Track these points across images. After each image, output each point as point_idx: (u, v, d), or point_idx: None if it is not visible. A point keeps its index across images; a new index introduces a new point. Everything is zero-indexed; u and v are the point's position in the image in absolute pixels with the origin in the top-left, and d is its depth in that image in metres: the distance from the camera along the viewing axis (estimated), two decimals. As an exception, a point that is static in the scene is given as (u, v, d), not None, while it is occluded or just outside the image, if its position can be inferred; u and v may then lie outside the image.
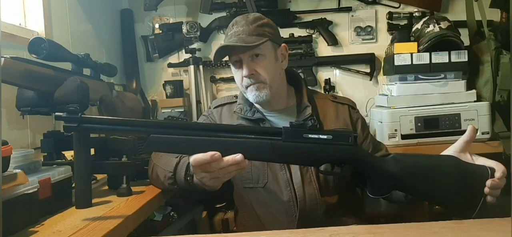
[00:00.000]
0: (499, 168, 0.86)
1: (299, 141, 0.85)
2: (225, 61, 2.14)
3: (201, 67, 2.12)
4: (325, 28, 2.14)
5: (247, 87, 1.13)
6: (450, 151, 0.93)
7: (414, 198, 1.04)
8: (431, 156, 0.94)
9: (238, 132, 0.86)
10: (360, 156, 0.89)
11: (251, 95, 1.13)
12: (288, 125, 0.86)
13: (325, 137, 0.86)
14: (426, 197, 0.92)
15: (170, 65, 2.20)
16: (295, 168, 1.10)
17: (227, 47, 1.10)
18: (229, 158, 0.81)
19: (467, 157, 0.91)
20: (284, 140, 0.85)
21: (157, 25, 2.17)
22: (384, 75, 1.99)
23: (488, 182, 0.84)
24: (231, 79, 2.18)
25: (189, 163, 0.95)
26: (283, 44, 1.19)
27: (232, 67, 1.17)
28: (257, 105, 1.19)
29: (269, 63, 1.12)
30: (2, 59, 0.90)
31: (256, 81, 1.11)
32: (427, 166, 0.89)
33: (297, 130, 0.85)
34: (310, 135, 0.85)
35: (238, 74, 1.14)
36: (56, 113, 0.80)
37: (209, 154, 0.81)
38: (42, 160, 1.08)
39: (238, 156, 0.81)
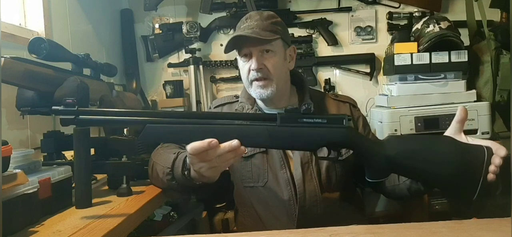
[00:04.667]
0: (497, 146, 0.86)
1: (294, 125, 0.85)
2: (226, 60, 2.15)
3: (201, 67, 2.12)
4: (325, 28, 2.14)
5: (252, 82, 1.13)
6: (446, 134, 0.93)
7: (417, 191, 1.03)
8: (427, 136, 0.94)
9: (233, 119, 0.86)
10: (355, 138, 0.89)
11: (255, 91, 1.13)
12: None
13: (319, 120, 0.86)
14: (424, 179, 0.91)
15: (170, 65, 2.20)
16: (296, 165, 1.10)
17: (239, 39, 1.10)
18: (225, 145, 0.81)
19: (462, 138, 0.90)
20: (279, 125, 0.85)
21: (157, 25, 2.18)
22: (384, 75, 1.99)
23: (496, 161, 0.83)
24: (231, 79, 2.19)
25: (185, 157, 0.96)
26: (292, 46, 1.20)
27: (240, 61, 1.16)
28: (259, 103, 1.19)
29: (278, 60, 1.12)
30: (2, 59, 0.90)
31: (263, 77, 1.11)
32: (424, 146, 0.89)
33: (292, 115, 0.86)
34: (304, 120, 0.86)
35: (246, 67, 1.13)
36: (53, 107, 0.80)
37: (206, 141, 0.80)
38: (42, 160, 1.08)
39: (234, 142, 0.81)
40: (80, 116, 0.79)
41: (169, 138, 0.84)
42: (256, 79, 1.12)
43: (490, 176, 0.84)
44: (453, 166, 0.85)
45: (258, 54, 1.11)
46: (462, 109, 0.91)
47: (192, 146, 0.81)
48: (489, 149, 0.85)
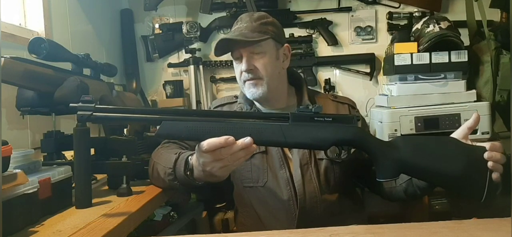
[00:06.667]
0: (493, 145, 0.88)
1: (306, 122, 0.88)
2: (226, 60, 2.15)
3: (201, 67, 2.12)
4: (325, 28, 2.14)
5: (245, 82, 1.15)
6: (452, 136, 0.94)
7: (413, 194, 1.04)
8: (434, 137, 0.96)
9: (247, 118, 0.88)
10: (365, 136, 0.91)
11: (248, 91, 1.14)
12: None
13: (330, 119, 0.89)
14: (433, 178, 0.91)
15: (170, 65, 2.20)
16: (295, 166, 1.10)
17: (230, 42, 1.12)
18: (239, 142, 0.82)
19: (468, 143, 0.92)
20: (292, 123, 0.87)
21: (157, 25, 2.18)
22: (384, 75, 1.99)
23: (486, 155, 0.85)
24: (231, 79, 2.18)
25: (187, 158, 0.96)
26: (286, 45, 1.20)
27: (234, 63, 1.19)
28: (257, 104, 1.20)
29: (268, 60, 1.13)
30: (2, 59, 0.90)
31: (254, 77, 1.13)
32: (431, 146, 0.90)
33: (303, 114, 0.88)
34: (315, 118, 0.88)
35: (238, 70, 1.16)
36: (71, 104, 0.80)
37: (223, 138, 0.81)
38: (42, 160, 1.08)
39: (247, 139, 0.82)
40: (95, 113, 0.80)
41: (185, 135, 0.84)
42: (248, 80, 1.13)
43: (494, 175, 0.85)
44: (461, 167, 0.86)
45: (248, 56, 1.12)
46: (477, 116, 0.93)
47: (208, 142, 0.81)
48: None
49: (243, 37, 1.09)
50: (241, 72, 1.14)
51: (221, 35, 2.17)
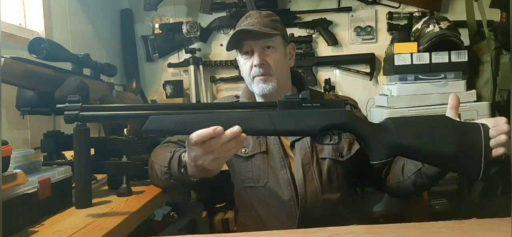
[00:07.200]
0: (493, 120, 0.86)
1: (294, 110, 0.87)
2: (226, 60, 2.15)
3: (201, 67, 2.12)
4: (325, 28, 2.14)
5: (254, 78, 1.13)
6: None
7: (422, 185, 1.03)
8: (425, 116, 0.95)
9: (235, 108, 0.87)
10: (355, 119, 0.90)
11: (258, 87, 1.13)
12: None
13: (318, 104, 0.88)
14: (427, 157, 0.90)
15: (170, 65, 2.20)
16: (297, 166, 1.10)
17: (241, 35, 1.11)
18: (228, 132, 0.81)
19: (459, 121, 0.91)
20: (279, 110, 0.87)
21: (157, 25, 2.18)
22: (384, 75, 1.99)
23: (492, 131, 0.84)
24: (231, 79, 2.19)
25: (181, 155, 0.96)
26: (291, 43, 1.22)
27: (241, 59, 1.17)
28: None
29: (279, 56, 1.14)
30: (2, 59, 0.90)
31: (265, 72, 1.12)
32: (423, 124, 0.89)
33: (291, 101, 0.88)
34: (303, 104, 0.88)
35: (247, 65, 1.14)
36: (57, 105, 0.80)
37: (211, 128, 0.80)
38: (42, 160, 1.08)
39: (236, 128, 0.81)
40: (82, 113, 0.79)
41: (173, 129, 0.83)
42: (258, 75, 1.12)
43: (499, 151, 0.83)
44: (453, 144, 0.85)
45: (260, 50, 1.12)
46: (453, 96, 0.92)
47: (197, 133, 0.80)
48: (484, 125, 0.85)
49: (259, 29, 1.09)
50: (251, 67, 1.13)
51: (221, 35, 2.18)
